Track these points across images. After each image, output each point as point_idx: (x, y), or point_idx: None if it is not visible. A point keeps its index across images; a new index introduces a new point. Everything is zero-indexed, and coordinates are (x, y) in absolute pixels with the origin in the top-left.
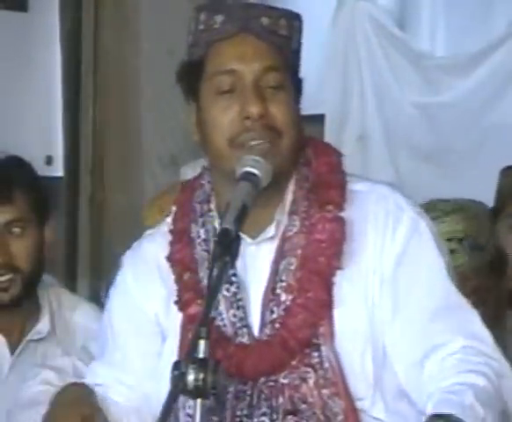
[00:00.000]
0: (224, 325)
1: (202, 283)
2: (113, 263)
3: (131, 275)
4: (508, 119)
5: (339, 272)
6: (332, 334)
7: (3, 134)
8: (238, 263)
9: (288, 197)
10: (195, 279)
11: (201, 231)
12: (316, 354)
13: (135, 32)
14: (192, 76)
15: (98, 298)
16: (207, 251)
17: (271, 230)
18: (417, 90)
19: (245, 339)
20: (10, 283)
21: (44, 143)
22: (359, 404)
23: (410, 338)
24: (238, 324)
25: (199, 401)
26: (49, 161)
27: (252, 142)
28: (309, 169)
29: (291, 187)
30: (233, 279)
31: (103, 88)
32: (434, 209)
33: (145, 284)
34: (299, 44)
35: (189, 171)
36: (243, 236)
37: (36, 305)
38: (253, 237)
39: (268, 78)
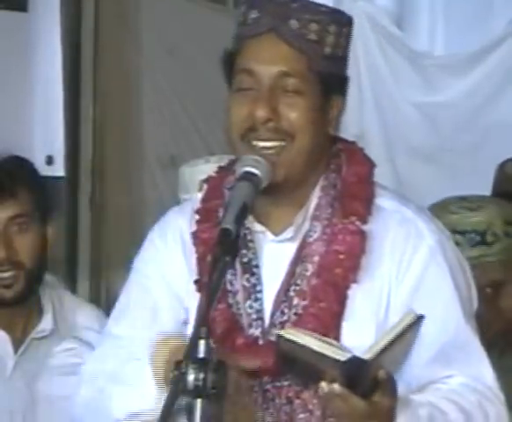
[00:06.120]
0: (240, 315)
1: None
2: (113, 263)
3: (159, 239)
4: (507, 118)
5: (353, 286)
6: None
7: (2, 134)
8: (258, 257)
9: (313, 201)
10: None
11: None
12: None
13: (135, 31)
14: (227, 67)
15: (98, 299)
16: None
17: (290, 232)
18: (416, 89)
19: (257, 332)
20: (13, 280)
21: (45, 143)
22: None
23: (412, 371)
24: (254, 316)
25: (199, 401)
26: (50, 161)
27: (259, 143)
28: (338, 176)
29: (317, 192)
30: (254, 270)
31: (103, 88)
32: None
33: (171, 252)
34: (339, 48)
35: (188, 171)
36: (266, 231)
37: (38, 304)
38: (276, 235)
39: (286, 83)
